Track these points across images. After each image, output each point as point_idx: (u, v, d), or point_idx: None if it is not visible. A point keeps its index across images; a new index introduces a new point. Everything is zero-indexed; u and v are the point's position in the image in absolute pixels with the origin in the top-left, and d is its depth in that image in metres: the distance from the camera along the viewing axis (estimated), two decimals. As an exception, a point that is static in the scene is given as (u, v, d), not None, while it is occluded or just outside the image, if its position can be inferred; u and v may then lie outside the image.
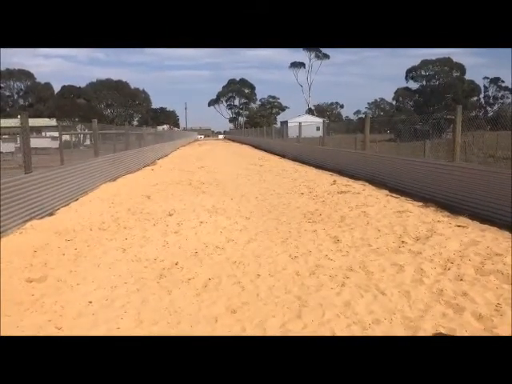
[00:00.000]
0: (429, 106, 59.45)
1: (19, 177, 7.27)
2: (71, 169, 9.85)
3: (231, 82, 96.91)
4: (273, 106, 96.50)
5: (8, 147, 22.54)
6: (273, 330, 3.42)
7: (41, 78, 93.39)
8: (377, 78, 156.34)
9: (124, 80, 69.94)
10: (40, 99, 64.78)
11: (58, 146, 17.05)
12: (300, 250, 5.53)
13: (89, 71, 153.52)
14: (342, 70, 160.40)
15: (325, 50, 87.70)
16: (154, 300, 3.99)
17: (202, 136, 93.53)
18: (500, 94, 77.45)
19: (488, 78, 76.99)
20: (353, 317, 3.61)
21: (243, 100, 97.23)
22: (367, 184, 11.43)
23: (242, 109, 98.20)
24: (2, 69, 62.47)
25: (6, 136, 23.78)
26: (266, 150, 30.48)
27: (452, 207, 7.86)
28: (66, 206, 8.80)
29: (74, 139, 28.38)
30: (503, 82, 76.16)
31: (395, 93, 73.36)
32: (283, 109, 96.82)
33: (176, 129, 78.25)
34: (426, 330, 3.34)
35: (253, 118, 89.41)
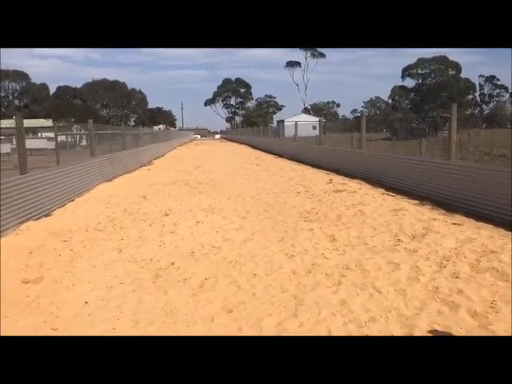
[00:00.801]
0: (425, 105, 59.59)
1: (15, 178, 7.25)
2: (67, 169, 9.83)
3: (226, 81, 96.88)
4: (269, 106, 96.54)
5: (4, 148, 22.48)
6: (269, 329, 3.42)
7: (37, 79, 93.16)
8: (373, 76, 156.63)
9: (120, 80, 69.83)
10: (35, 100, 64.56)
11: (53, 147, 17.00)
12: (296, 249, 5.54)
13: (85, 72, 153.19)
14: (339, 69, 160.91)
15: (321, 49, 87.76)
16: (150, 300, 3.99)
17: (199, 136, 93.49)
18: (495, 92, 77.79)
19: (484, 76, 77.32)
20: (349, 315, 3.61)
21: (239, 99, 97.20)
22: (363, 183, 11.45)
23: (238, 108, 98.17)
24: (-2, 69, 62.25)
25: (3, 137, 23.71)
26: (262, 150, 30.49)
27: (448, 205, 7.89)
28: (62, 206, 8.79)
29: (70, 140, 28.32)
30: (498, 80, 76.48)
31: (391, 91, 73.51)
32: (280, 108, 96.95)
33: (172, 129, 78.17)
34: (422, 327, 3.35)
35: (249, 118, 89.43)
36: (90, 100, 63.86)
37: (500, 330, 3.26)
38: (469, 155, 16.55)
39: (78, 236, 6.30)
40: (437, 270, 4.62)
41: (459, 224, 6.54)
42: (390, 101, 75.31)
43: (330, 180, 12.06)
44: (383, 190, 10.08)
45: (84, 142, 25.38)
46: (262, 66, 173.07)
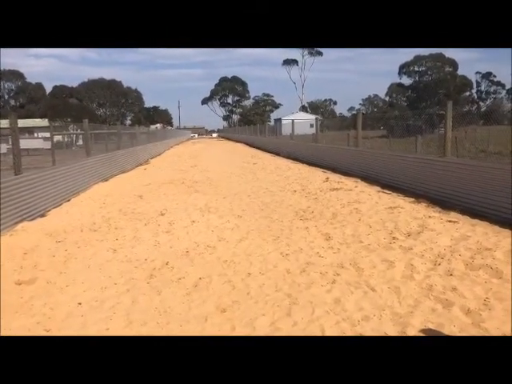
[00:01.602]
0: (422, 102, 59.65)
1: (8, 179, 7.22)
2: (62, 170, 9.80)
3: (223, 79, 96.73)
4: (266, 104, 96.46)
5: (1, 148, 22.37)
6: (262, 328, 3.42)
7: (33, 79, 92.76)
8: (371, 74, 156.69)
9: (117, 79, 69.65)
10: (31, 99, 64.37)
11: (50, 147, 16.95)
12: (291, 248, 5.53)
13: (81, 71, 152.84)
14: (336, 67, 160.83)
15: (319, 48, 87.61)
16: (144, 300, 3.98)
17: (196, 134, 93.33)
18: (492, 89, 77.90)
19: (480, 72, 77.41)
20: (342, 314, 3.61)
21: (236, 98, 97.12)
22: (360, 181, 11.46)
23: (235, 107, 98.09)
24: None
25: (-1, 137, 23.60)
26: (259, 148, 30.48)
27: (444, 203, 7.90)
28: (57, 206, 8.76)
29: (66, 139, 28.24)
30: (495, 76, 76.61)
31: (388, 89, 73.60)
32: (277, 106, 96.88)
33: (169, 127, 77.98)
34: (415, 325, 3.35)
35: (246, 116, 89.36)
36: (87, 99, 63.69)
37: (492, 327, 3.26)
38: (465, 152, 16.59)
39: (73, 236, 6.28)
40: (431, 268, 4.62)
41: (454, 221, 6.55)
42: (387, 98, 75.42)
43: (327, 178, 12.06)
44: (379, 188, 10.09)
45: (81, 142, 25.32)
46: (258, 64, 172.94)
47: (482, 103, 75.42)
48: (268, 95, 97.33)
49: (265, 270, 4.78)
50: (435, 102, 55.22)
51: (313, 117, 53.20)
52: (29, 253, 5.47)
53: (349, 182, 11.14)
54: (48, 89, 66.81)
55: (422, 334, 3.23)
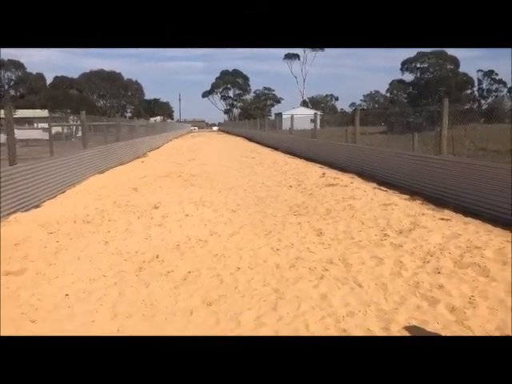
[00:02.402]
0: (423, 99, 59.52)
1: (3, 169, 7.21)
2: (58, 161, 9.80)
3: (224, 73, 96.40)
4: (267, 98, 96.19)
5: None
6: (247, 322, 3.43)
7: (34, 69, 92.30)
8: (372, 70, 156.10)
9: (117, 71, 69.47)
10: (32, 90, 64.16)
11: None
12: (282, 243, 5.54)
13: (82, 62, 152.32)
14: (337, 62, 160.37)
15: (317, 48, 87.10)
16: (131, 293, 3.99)
17: (196, 128, 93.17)
18: (494, 87, 77.67)
19: (482, 70, 77.12)
20: (328, 309, 3.63)
21: (237, 91, 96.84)
22: (356, 177, 11.45)
23: (236, 100, 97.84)
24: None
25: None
26: (259, 142, 30.44)
27: (438, 200, 7.90)
28: (52, 198, 8.76)
29: (66, 131, 28.16)
30: (497, 74, 76.34)
31: (390, 85, 73.39)
32: (278, 101, 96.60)
33: (170, 120, 77.88)
34: (399, 322, 3.37)
35: (247, 110, 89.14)
36: (87, 91, 63.52)
37: (475, 325, 3.28)
38: (464, 150, 16.57)
39: (66, 228, 6.29)
40: (420, 265, 4.63)
41: (447, 219, 6.55)
42: (388, 95, 75.22)
43: (323, 174, 12.05)
44: (375, 185, 10.08)
45: (80, 133, 25.27)
46: (260, 59, 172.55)
47: (483, 101, 75.23)
48: (269, 89, 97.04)
49: (254, 264, 4.79)
50: (436, 99, 55.07)
51: (313, 112, 53.10)
52: (20, 243, 5.48)
53: (345, 178, 11.13)
54: (49, 79, 66.76)
55: (406, 332, 3.24)
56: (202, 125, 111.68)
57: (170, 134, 40.14)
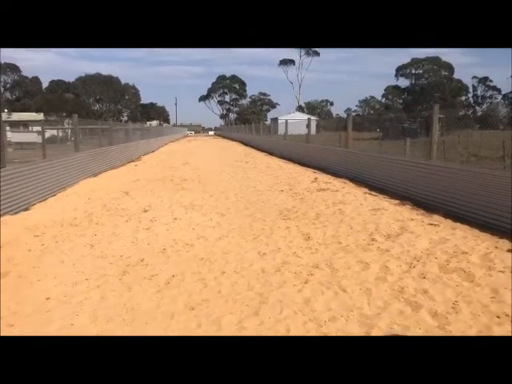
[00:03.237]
0: (417, 105, 59.79)
1: (-10, 171, 7.16)
2: (49, 164, 9.74)
3: (221, 77, 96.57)
4: (263, 103, 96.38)
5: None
6: (228, 326, 3.40)
7: (31, 73, 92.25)
8: (368, 75, 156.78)
9: (114, 75, 69.44)
10: (27, 93, 64.01)
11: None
12: (269, 247, 5.52)
13: (79, 66, 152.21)
14: (333, 68, 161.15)
15: (318, 48, 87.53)
16: (113, 297, 3.95)
17: (193, 132, 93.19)
18: (488, 94, 78.13)
19: (477, 77, 77.59)
20: (310, 314, 3.60)
21: (234, 96, 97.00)
22: (348, 182, 11.46)
23: (232, 105, 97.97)
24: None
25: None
26: (254, 147, 30.46)
27: (428, 205, 7.92)
28: (42, 201, 8.70)
29: (61, 134, 28.07)
30: (491, 81, 76.80)
31: (385, 91, 73.66)
32: (274, 105, 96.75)
33: (166, 124, 77.85)
34: (381, 327, 3.35)
35: (243, 115, 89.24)
36: (83, 94, 63.44)
37: (457, 330, 3.26)
38: (457, 156, 16.64)
39: (52, 231, 6.24)
40: (406, 270, 4.62)
41: (435, 224, 6.55)
42: (383, 100, 75.52)
43: (315, 178, 12.06)
44: (366, 190, 10.09)
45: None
46: (256, 63, 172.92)
47: (478, 107, 75.67)
48: (265, 94, 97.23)
49: (240, 268, 4.76)
50: (430, 105, 55.39)
51: (309, 117, 53.19)
52: (5, 246, 5.42)
53: (337, 183, 11.14)
54: (46, 83, 66.64)
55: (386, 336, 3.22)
56: (199, 129, 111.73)
57: (166, 138, 40.10)
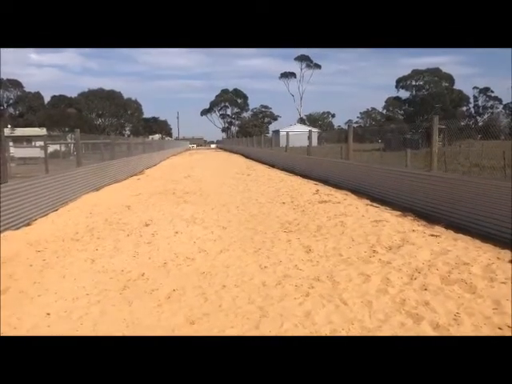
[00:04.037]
0: (418, 116, 60.00)
1: (-7, 187, 7.20)
2: (51, 179, 9.79)
3: (224, 91, 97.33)
4: (265, 116, 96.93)
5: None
6: (229, 341, 3.38)
7: (33, 88, 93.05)
8: (369, 87, 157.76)
9: (116, 90, 70.08)
10: (30, 108, 64.59)
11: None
12: (271, 260, 5.51)
13: (81, 81, 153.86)
14: (334, 80, 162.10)
15: (316, 60, 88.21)
16: (113, 311, 3.94)
17: (195, 145, 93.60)
18: (489, 104, 78.44)
19: (478, 88, 78.01)
20: (311, 327, 3.58)
21: (236, 109, 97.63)
22: (350, 193, 11.46)
23: (234, 118, 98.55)
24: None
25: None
26: (255, 160, 30.54)
27: (430, 217, 7.90)
28: (44, 216, 8.73)
29: (64, 149, 28.25)
30: (492, 92, 77.20)
31: (386, 102, 74.09)
32: (275, 118, 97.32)
33: (168, 138, 78.28)
34: (382, 340, 3.32)
35: (245, 128, 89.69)
36: (86, 109, 63.98)
37: (458, 343, 3.23)
38: (458, 166, 16.64)
39: (54, 246, 6.25)
40: (407, 282, 4.60)
41: (437, 235, 6.53)
42: (384, 111, 75.88)
43: (317, 190, 12.07)
44: (368, 201, 10.08)
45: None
46: (257, 77, 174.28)
47: (479, 118, 75.89)
48: (266, 107, 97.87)
49: (240, 282, 4.75)
50: (431, 116, 55.57)
51: (310, 129, 53.38)
52: (7, 262, 5.44)
53: (338, 195, 11.14)
54: (48, 98, 67.30)
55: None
56: (201, 142, 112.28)
57: (168, 151, 40.29)
